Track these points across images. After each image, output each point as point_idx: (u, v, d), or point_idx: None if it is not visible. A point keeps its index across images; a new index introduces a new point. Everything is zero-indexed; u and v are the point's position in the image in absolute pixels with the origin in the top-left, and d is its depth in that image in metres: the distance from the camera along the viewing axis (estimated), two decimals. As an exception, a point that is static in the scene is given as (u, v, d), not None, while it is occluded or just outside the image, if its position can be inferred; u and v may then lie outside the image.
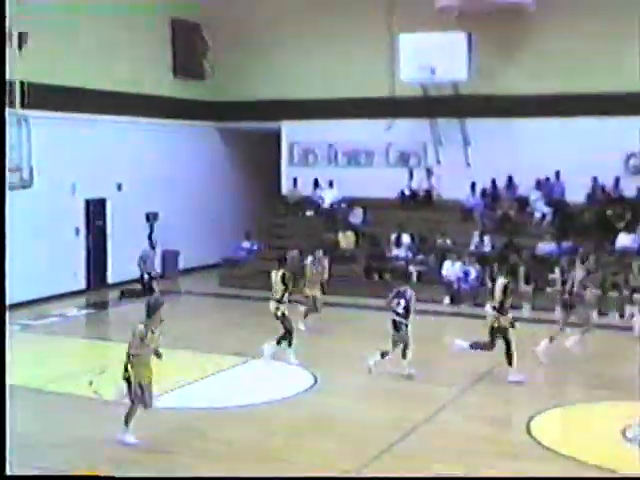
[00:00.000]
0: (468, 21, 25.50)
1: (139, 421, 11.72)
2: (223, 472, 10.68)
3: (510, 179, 26.33)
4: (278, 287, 16.60)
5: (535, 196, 25.81)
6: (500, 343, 15.37)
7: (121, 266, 25.34)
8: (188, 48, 28.40)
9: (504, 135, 26.05)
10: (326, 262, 20.83)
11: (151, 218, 26.53)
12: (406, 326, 15.33)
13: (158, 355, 11.96)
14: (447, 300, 23.40)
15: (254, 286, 23.48)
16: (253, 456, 11.39)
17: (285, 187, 29.50)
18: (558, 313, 17.98)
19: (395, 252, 25.38)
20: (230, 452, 11.61)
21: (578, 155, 24.77)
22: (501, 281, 15.63)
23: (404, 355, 15.35)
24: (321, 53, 28.14)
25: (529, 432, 12.51)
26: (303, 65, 28.36)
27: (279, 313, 16.54)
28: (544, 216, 25.39)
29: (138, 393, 11.68)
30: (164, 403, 13.06)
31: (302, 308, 19.73)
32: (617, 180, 25.28)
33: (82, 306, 23.13)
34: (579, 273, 17.97)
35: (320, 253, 20.61)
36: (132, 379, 11.68)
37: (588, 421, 13.55)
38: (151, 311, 11.87)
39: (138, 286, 24.29)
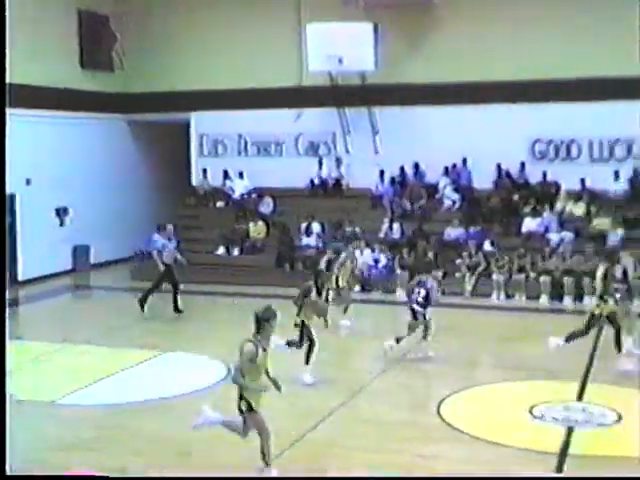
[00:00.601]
0: (375, 12, 25.81)
1: (56, 420, 11.57)
2: (144, 467, 10.63)
3: (417, 166, 26.71)
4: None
5: (443, 183, 26.26)
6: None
7: (31, 262, 25.05)
8: (96, 40, 28.04)
9: (412, 123, 26.35)
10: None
11: (61, 213, 26.27)
12: (424, 316, 15.75)
13: (277, 386, 10.34)
14: (358, 287, 23.67)
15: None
16: (173, 450, 11.37)
17: (195, 178, 29.47)
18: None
19: (305, 241, 25.57)
20: (149, 447, 11.59)
21: (485, 142, 25.23)
22: (602, 267, 15.48)
23: (425, 336, 15.82)
24: (229, 43, 28.11)
25: (440, 415, 12.76)
26: (212, 56, 28.28)
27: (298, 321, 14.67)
28: (453, 202, 25.85)
29: (250, 424, 10.22)
30: (79, 400, 13.01)
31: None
32: (522, 165, 25.84)
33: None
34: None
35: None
36: (250, 407, 10.06)
37: (497, 402, 13.86)
38: (261, 324, 10.19)
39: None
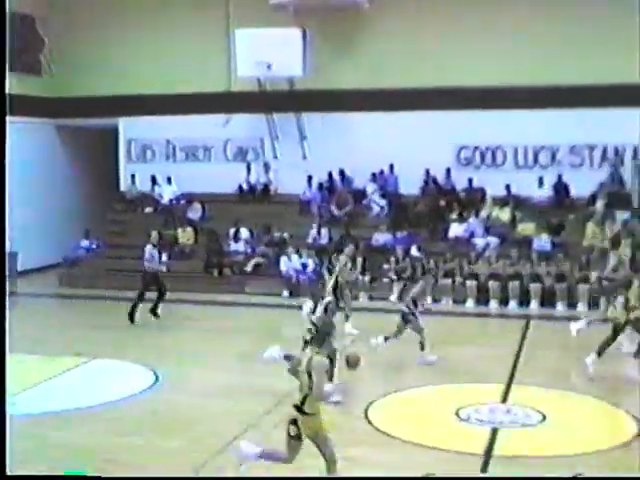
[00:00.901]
0: (304, 18, 25.98)
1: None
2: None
3: (342, 172, 26.87)
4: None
5: (371, 189, 26.47)
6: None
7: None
8: (22, 42, 27.74)
9: (340, 129, 26.58)
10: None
11: (-14, 219, 25.90)
12: (414, 316, 15.95)
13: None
14: (286, 293, 23.75)
15: (93, 285, 23.29)
16: (99, 458, 11.28)
17: (123, 184, 29.30)
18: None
19: (234, 247, 25.57)
20: (74, 456, 11.43)
21: (411, 148, 25.58)
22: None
23: (422, 347, 15.95)
24: (158, 49, 28.01)
25: (367, 418, 12.90)
26: (140, 61, 28.14)
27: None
28: (380, 208, 26.06)
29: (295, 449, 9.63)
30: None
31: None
32: (448, 171, 26.18)
33: None
34: None
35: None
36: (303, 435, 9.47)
37: (424, 405, 14.02)
38: (323, 337, 9.97)
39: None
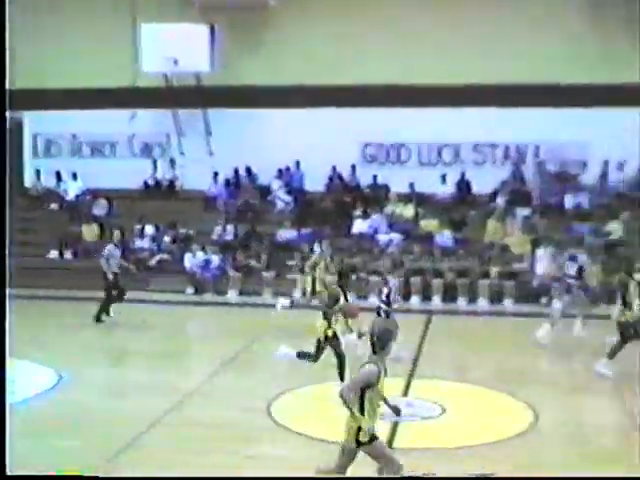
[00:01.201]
0: (212, 13, 25.96)
1: None
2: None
3: (249, 169, 26.94)
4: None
5: (276, 185, 26.60)
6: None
7: None
8: None
9: (246, 125, 26.66)
10: None
11: None
12: (387, 313, 15.84)
13: (397, 412, 9.38)
14: (190, 290, 23.72)
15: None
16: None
17: (28, 180, 28.93)
18: None
19: (139, 243, 25.46)
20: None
21: (317, 145, 25.71)
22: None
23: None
24: (64, 42, 27.65)
25: (270, 415, 12.94)
26: (45, 54, 27.71)
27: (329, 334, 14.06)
28: (286, 204, 26.21)
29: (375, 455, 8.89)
30: None
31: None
32: (353, 168, 26.45)
33: None
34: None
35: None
36: (373, 437, 8.81)
37: (325, 400, 14.02)
38: (382, 344, 8.79)
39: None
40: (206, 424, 12.60)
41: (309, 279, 19.43)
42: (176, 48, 25.61)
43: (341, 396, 8.80)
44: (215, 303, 22.47)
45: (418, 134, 25.89)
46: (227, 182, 26.98)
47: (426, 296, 22.65)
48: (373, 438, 8.74)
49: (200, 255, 24.12)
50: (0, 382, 7.63)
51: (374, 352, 8.73)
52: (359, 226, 24.95)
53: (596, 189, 25.58)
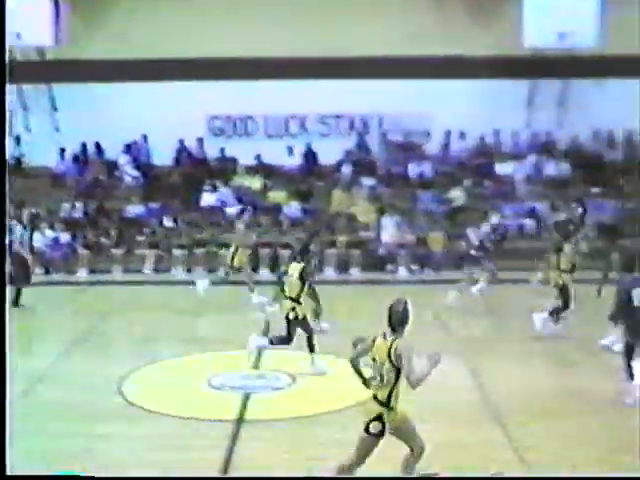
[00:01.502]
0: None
1: None
2: None
3: (98, 144, 26.69)
4: (294, 284, 14.08)
5: (124, 160, 26.41)
6: None
7: None
8: None
9: (92, 100, 26.18)
10: None
11: None
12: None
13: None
14: (39, 270, 23.36)
15: None
16: None
17: None
18: None
19: (-15, 223, 24.96)
20: None
21: (164, 118, 25.48)
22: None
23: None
24: None
25: (121, 393, 13.01)
26: None
27: (298, 315, 13.97)
28: (133, 179, 26.08)
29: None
30: None
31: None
32: (200, 142, 26.50)
33: None
34: None
35: None
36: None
37: (177, 375, 14.19)
38: (403, 322, 8.46)
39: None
40: (56, 406, 12.53)
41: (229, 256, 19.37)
42: (19, 21, 24.92)
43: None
44: (65, 282, 22.25)
45: (265, 106, 26.02)
46: (75, 158, 26.63)
47: (275, 268, 22.88)
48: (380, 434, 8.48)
49: (49, 234, 23.77)
50: (0, 382, 7.58)
51: (393, 330, 8.40)
52: (207, 199, 25.06)
53: (439, 158, 26.37)
